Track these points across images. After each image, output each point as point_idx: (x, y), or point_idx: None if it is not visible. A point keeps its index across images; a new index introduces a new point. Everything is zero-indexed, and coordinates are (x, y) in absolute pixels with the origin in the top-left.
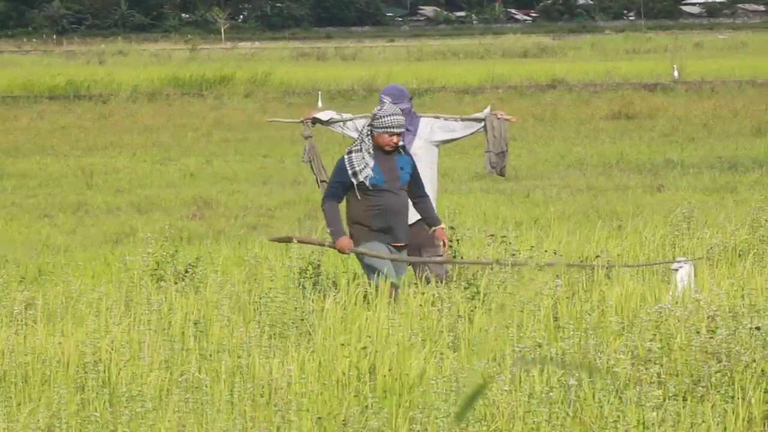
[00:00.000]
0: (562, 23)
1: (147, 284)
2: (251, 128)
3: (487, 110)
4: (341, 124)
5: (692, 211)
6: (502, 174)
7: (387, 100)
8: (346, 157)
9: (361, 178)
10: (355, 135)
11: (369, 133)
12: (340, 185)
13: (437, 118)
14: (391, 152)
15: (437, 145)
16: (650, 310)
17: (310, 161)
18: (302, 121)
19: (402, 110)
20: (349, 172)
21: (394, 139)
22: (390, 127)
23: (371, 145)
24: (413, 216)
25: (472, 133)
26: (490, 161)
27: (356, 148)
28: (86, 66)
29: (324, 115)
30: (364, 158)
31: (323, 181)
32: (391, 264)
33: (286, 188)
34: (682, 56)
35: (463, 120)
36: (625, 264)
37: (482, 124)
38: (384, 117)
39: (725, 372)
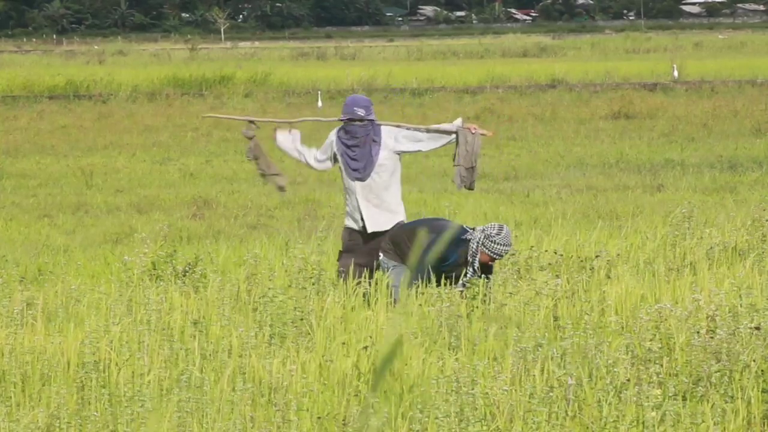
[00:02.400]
0: (562, 23)
1: (147, 284)
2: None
3: (459, 122)
4: (298, 151)
5: (692, 211)
6: (471, 188)
7: (361, 112)
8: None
9: (459, 288)
10: (313, 164)
11: (478, 250)
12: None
13: (399, 126)
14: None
15: (399, 155)
16: (650, 309)
17: (256, 158)
18: (251, 122)
19: (372, 121)
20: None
21: (492, 261)
22: (500, 256)
23: (479, 261)
24: (390, 221)
25: (441, 146)
26: (460, 175)
27: (469, 261)
28: (86, 66)
29: (280, 140)
30: (468, 274)
31: (274, 174)
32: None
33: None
34: (682, 56)
35: (429, 131)
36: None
37: (452, 136)
38: (500, 245)
39: (725, 372)
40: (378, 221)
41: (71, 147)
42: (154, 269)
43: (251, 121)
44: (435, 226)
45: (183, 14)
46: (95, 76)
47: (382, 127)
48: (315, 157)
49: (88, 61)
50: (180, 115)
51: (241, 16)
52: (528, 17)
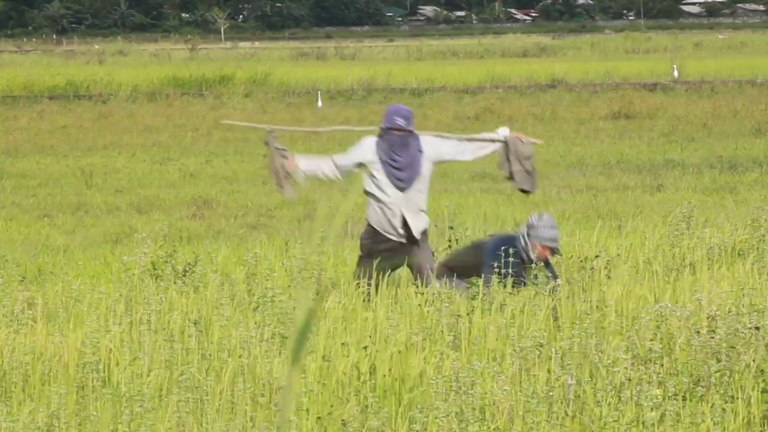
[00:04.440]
0: (562, 23)
1: (147, 284)
2: (251, 128)
3: (506, 131)
4: (318, 171)
5: (692, 211)
6: (533, 190)
7: (402, 122)
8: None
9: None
10: (330, 173)
11: (528, 243)
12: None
13: (441, 137)
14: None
15: (439, 164)
16: (651, 309)
17: (282, 165)
18: (269, 132)
19: (411, 132)
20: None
21: (547, 252)
22: (553, 242)
23: (536, 257)
24: (423, 227)
25: (484, 156)
26: (530, 181)
27: (527, 259)
28: (86, 66)
29: (300, 164)
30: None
31: (282, 182)
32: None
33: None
34: (682, 56)
35: (470, 140)
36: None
37: (497, 145)
38: (547, 229)
39: (725, 372)
40: (418, 226)
41: (71, 147)
42: (154, 269)
43: (271, 131)
44: (479, 245)
45: (183, 14)
46: (95, 76)
47: (425, 138)
48: (334, 163)
49: (88, 61)
50: (180, 115)
51: (241, 16)
52: (528, 17)
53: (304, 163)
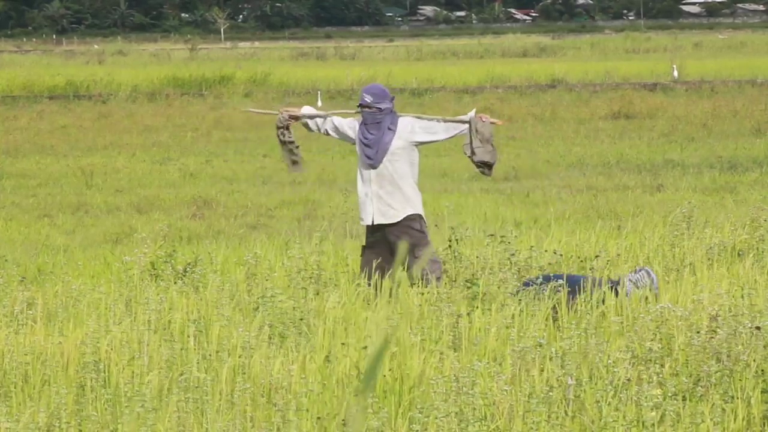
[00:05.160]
0: (562, 23)
1: (147, 284)
2: (251, 128)
3: (472, 113)
4: (317, 122)
5: (692, 211)
6: (492, 164)
7: (368, 98)
8: None
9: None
10: (329, 128)
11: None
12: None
13: (418, 118)
14: None
15: (417, 146)
16: (651, 309)
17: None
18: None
19: (382, 110)
20: None
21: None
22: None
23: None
24: (402, 212)
25: (454, 135)
26: (487, 158)
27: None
28: (86, 66)
29: (305, 111)
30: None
31: (293, 156)
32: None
33: (285, 188)
34: (682, 56)
35: (445, 122)
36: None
37: (466, 126)
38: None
39: (725, 372)
40: (386, 213)
41: (71, 147)
42: (154, 269)
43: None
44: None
45: (183, 14)
46: (95, 76)
47: (401, 118)
48: (333, 121)
49: (88, 61)
50: (180, 115)
51: (241, 16)
52: (528, 17)
53: (310, 121)
